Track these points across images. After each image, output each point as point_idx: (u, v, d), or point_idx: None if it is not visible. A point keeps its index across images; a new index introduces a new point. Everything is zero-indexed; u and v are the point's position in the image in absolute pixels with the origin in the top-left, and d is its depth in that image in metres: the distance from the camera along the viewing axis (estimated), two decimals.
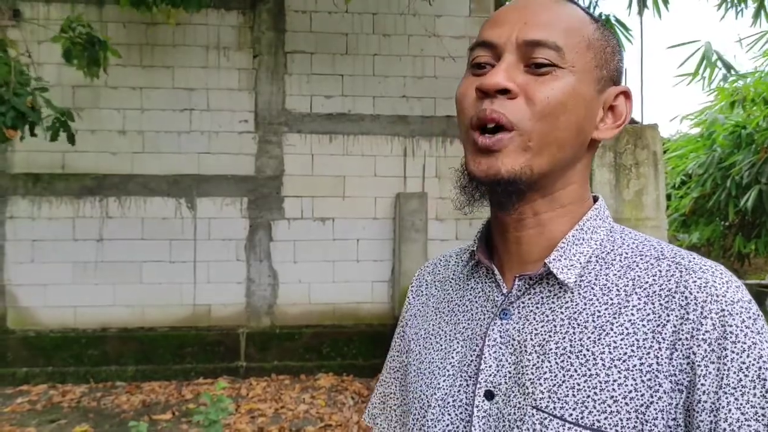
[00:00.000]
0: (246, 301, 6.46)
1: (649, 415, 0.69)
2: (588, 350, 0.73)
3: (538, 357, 0.75)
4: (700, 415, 0.68)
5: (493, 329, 0.80)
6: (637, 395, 0.69)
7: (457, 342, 0.85)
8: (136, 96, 6.41)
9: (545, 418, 0.72)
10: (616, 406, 0.70)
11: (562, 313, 0.77)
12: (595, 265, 0.79)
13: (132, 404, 5.47)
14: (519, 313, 0.80)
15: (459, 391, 0.82)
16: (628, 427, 0.69)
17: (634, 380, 0.70)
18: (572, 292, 0.78)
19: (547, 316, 0.77)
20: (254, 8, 6.57)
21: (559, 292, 0.78)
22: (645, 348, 0.71)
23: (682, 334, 0.70)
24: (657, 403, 0.69)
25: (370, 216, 6.63)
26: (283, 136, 6.56)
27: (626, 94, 0.83)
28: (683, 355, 0.69)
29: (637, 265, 0.77)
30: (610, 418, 0.70)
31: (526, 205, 0.80)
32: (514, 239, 0.83)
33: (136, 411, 5.29)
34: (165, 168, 6.40)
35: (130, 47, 6.33)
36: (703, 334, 0.69)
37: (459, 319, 0.87)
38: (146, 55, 6.43)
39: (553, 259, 0.78)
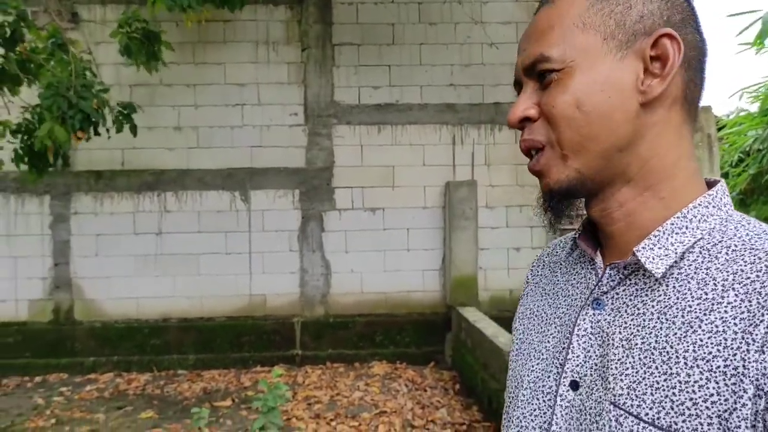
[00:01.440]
0: (300, 290, 6.59)
1: (732, 423, 0.62)
2: (672, 347, 0.68)
3: (623, 351, 0.72)
4: None
5: (584, 318, 0.79)
6: (719, 399, 0.63)
7: (554, 326, 0.85)
8: (190, 93, 6.58)
9: (621, 415, 0.69)
10: (695, 409, 0.64)
11: (653, 306, 0.72)
12: (698, 256, 0.72)
13: (193, 391, 5.66)
14: (612, 304, 0.77)
15: (548, 377, 0.81)
16: None
17: (717, 383, 0.64)
18: (666, 285, 0.72)
19: (638, 309, 0.73)
20: (302, 2, 6.65)
21: (654, 284, 0.73)
22: (732, 348, 0.64)
23: None
24: (741, 410, 0.62)
25: (419, 205, 6.67)
26: (333, 127, 6.65)
27: (668, 35, 0.74)
28: None
29: (743, 259, 0.69)
30: (689, 421, 0.65)
31: (610, 198, 0.78)
32: (608, 234, 0.80)
33: (197, 398, 5.48)
34: (219, 162, 6.57)
35: (183, 45, 6.50)
36: None
37: (559, 303, 0.87)
38: (199, 52, 6.59)
39: (643, 248, 0.74)
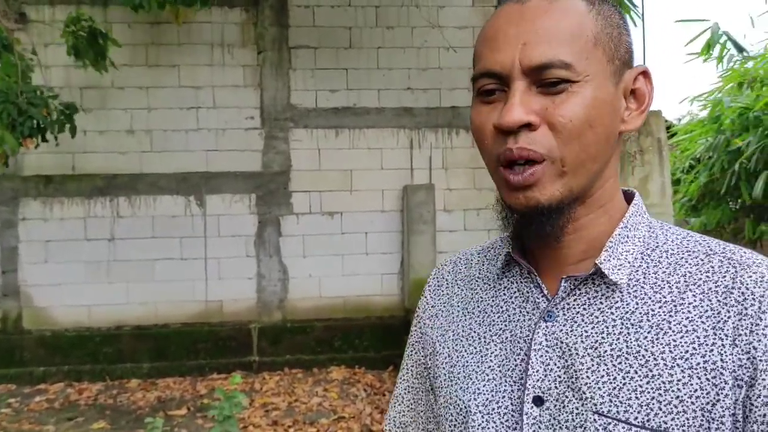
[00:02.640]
0: (257, 296, 6.52)
1: (715, 413, 0.68)
2: (647, 350, 0.71)
3: (592, 360, 0.73)
4: (760, 410, 0.67)
5: (538, 332, 0.78)
6: (702, 393, 0.68)
7: (494, 344, 0.82)
8: (143, 95, 6.45)
9: (609, 423, 0.70)
10: (682, 407, 0.68)
11: (612, 313, 0.75)
12: (642, 262, 0.77)
13: (147, 401, 5.54)
14: (564, 315, 0.77)
15: (503, 396, 0.79)
16: (694, 427, 0.68)
17: (699, 378, 0.69)
18: (621, 292, 0.76)
19: (597, 318, 0.75)
20: (257, 4, 6.59)
21: (607, 291, 0.76)
22: (707, 345, 0.69)
23: (742, 330, 0.69)
24: (723, 400, 0.68)
25: (377, 209, 6.66)
26: (290, 131, 6.59)
27: (645, 74, 0.79)
28: (743, 350, 0.68)
29: (687, 262, 0.76)
30: (677, 418, 0.68)
31: (568, 214, 0.78)
32: (553, 246, 0.80)
33: (151, 407, 5.36)
34: (173, 166, 6.45)
35: (135, 47, 6.37)
36: (763, 329, 0.68)
37: (493, 320, 0.84)
38: (152, 54, 6.46)
39: (604, 260, 0.76)
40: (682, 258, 0.76)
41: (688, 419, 0.68)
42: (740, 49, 7.90)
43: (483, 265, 0.92)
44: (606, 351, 0.73)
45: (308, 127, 6.61)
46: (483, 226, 6.68)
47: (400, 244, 6.66)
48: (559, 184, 0.74)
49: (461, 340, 0.87)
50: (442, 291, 0.95)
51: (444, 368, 0.87)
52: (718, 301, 0.71)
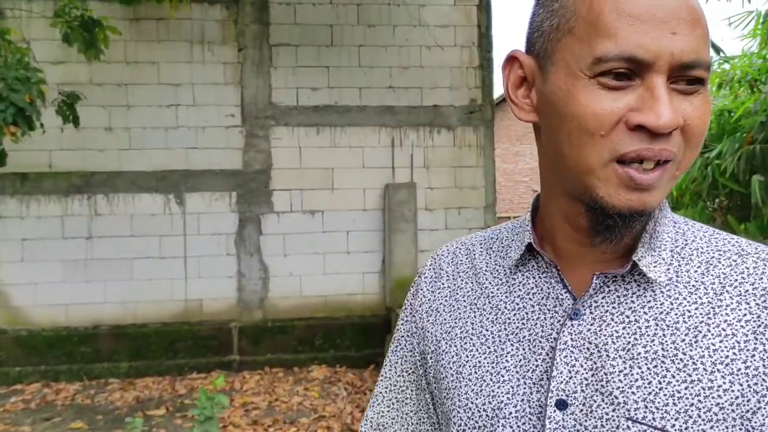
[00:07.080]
0: (237, 295, 6.47)
1: (755, 422, 0.64)
2: (685, 354, 0.67)
3: (624, 362, 0.68)
4: None
5: (563, 331, 0.72)
6: (743, 401, 0.64)
7: (510, 344, 0.77)
8: (121, 92, 6.38)
9: (645, 431, 0.66)
10: (722, 414, 0.64)
11: (645, 313, 0.70)
12: (673, 261, 0.72)
13: (126, 401, 5.49)
14: (592, 313, 0.72)
15: (522, 400, 0.73)
16: None
17: (741, 385, 0.65)
18: (654, 291, 0.71)
19: (628, 317, 0.70)
20: (238, 1, 6.54)
21: (638, 290, 0.71)
22: (748, 350, 0.65)
23: None
24: (764, 408, 0.64)
25: (359, 207, 6.65)
26: (270, 129, 6.55)
27: None
28: None
29: (719, 262, 0.72)
30: (717, 426, 0.64)
31: None
32: (601, 242, 0.73)
33: (130, 407, 5.31)
34: (153, 164, 6.39)
35: (114, 43, 6.26)
36: None
37: (508, 318, 0.78)
38: (130, 51, 6.39)
39: (641, 256, 0.71)
40: (714, 257, 0.72)
41: (728, 428, 0.64)
42: (717, 50, 7.98)
43: (490, 257, 0.85)
44: (640, 353, 0.68)
45: (289, 125, 6.58)
46: (464, 225, 6.70)
47: (382, 242, 6.65)
48: (667, 188, 0.68)
49: (471, 339, 0.81)
50: (442, 284, 0.88)
51: (452, 368, 0.81)
52: (757, 304, 0.67)
